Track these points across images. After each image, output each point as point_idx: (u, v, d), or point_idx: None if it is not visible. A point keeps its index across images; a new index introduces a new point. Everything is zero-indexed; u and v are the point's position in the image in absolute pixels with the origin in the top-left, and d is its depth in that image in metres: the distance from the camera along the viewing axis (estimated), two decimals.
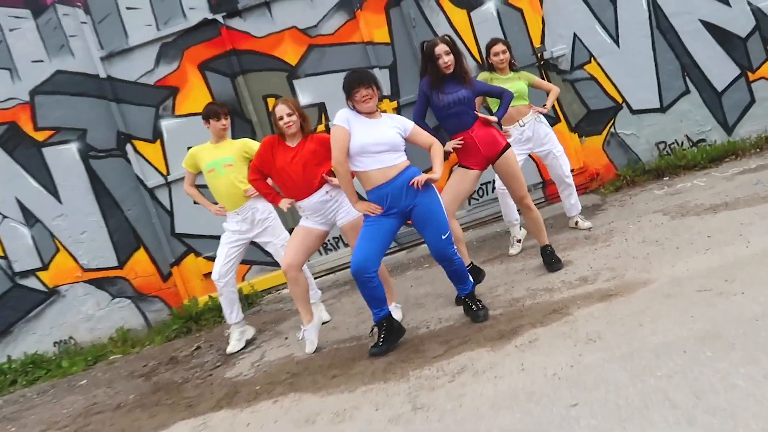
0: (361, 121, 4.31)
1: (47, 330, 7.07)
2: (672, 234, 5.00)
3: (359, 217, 4.65)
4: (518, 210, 5.61)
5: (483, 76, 5.61)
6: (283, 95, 6.86)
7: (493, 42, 5.66)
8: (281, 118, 4.74)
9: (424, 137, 4.46)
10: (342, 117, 4.33)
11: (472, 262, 5.12)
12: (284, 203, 4.90)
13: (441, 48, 4.70)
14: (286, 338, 5.45)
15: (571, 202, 5.84)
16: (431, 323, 4.72)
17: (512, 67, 5.72)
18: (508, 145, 4.90)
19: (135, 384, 5.48)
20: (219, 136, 5.45)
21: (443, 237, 4.37)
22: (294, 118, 4.74)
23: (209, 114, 5.38)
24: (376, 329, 4.51)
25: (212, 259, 6.94)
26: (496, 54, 5.60)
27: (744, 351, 2.99)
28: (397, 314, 4.94)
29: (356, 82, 4.27)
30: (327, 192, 4.78)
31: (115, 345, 6.83)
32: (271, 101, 6.92)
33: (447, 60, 4.69)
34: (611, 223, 5.76)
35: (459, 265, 4.50)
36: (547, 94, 5.78)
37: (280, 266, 6.18)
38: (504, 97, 5.04)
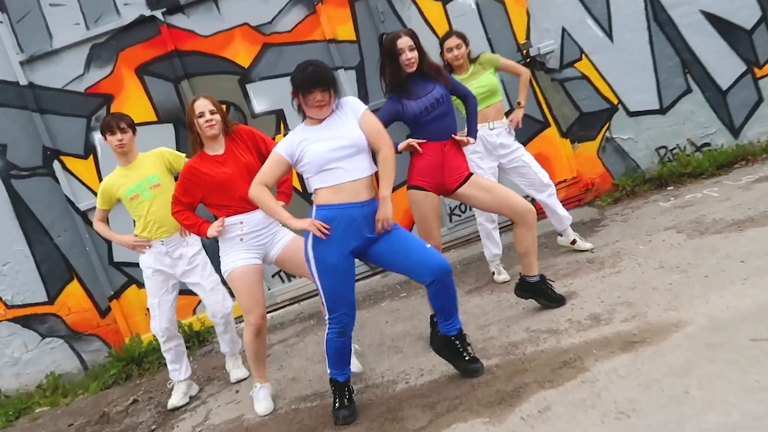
0: (317, 133, 3.36)
1: None
2: (694, 257, 4.13)
3: (295, 238, 3.97)
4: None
5: None
6: (235, 102, 5.98)
7: (447, 35, 4.75)
8: (202, 114, 3.85)
9: (375, 130, 3.41)
10: (288, 144, 3.39)
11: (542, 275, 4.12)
12: (213, 229, 3.90)
13: (404, 41, 3.77)
14: (237, 391, 4.49)
15: (559, 212, 4.94)
16: (411, 376, 3.80)
17: (470, 60, 4.80)
18: (471, 174, 3.97)
19: None
20: (121, 155, 4.44)
21: (428, 245, 3.45)
22: (217, 116, 3.90)
23: (102, 128, 4.41)
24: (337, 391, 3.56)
25: None
26: (450, 49, 4.66)
27: None
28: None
29: (311, 84, 3.28)
30: None
31: (43, 394, 5.79)
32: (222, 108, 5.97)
33: (411, 57, 3.76)
34: (616, 243, 4.89)
35: (454, 288, 3.50)
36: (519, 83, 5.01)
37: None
38: (469, 103, 4.09)
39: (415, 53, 3.78)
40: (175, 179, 4.31)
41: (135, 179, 4.40)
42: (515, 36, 6.02)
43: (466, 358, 3.55)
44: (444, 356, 3.63)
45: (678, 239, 4.55)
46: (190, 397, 4.61)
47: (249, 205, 3.83)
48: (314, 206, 3.37)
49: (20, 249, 5.96)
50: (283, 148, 3.40)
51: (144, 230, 4.44)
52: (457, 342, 3.56)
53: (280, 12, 5.91)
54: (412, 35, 3.82)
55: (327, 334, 3.43)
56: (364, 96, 5.97)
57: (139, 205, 4.39)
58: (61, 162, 5.86)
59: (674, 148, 6.21)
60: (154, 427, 4.34)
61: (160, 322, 4.52)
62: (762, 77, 6.18)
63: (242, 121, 5.95)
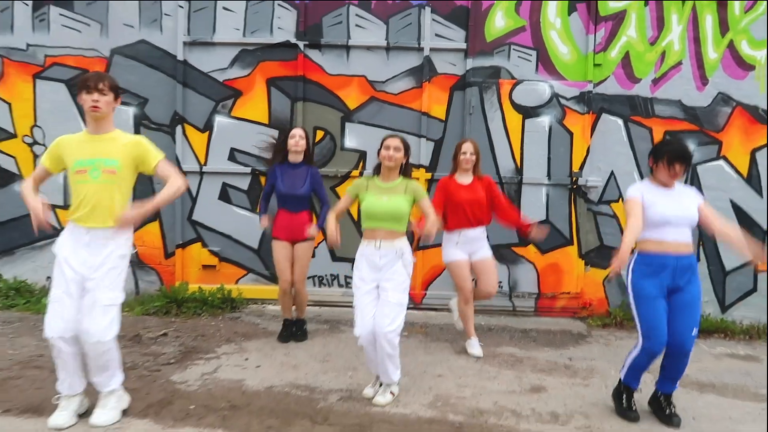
0: (663, 196, 3.56)
1: (45, 263, 6.17)
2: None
3: (490, 256, 4.82)
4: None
5: (357, 182, 3.94)
6: (332, 132, 6.12)
7: (391, 135, 3.90)
8: (465, 153, 4.71)
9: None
10: (639, 191, 3.61)
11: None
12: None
13: (298, 130, 4.92)
14: (247, 359, 4.51)
15: None
16: (389, 405, 3.76)
17: (403, 172, 3.90)
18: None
19: None
20: (92, 120, 3.25)
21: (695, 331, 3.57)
22: (474, 158, 4.73)
23: (78, 85, 3.24)
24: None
25: (216, 254, 6.15)
26: (387, 148, 3.79)
27: None
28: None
29: (684, 158, 3.52)
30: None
31: None
32: (319, 133, 6.12)
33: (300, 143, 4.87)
34: (593, 361, 4.79)
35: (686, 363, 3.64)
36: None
37: (276, 282, 5.23)
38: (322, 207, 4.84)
39: (304, 142, 4.83)
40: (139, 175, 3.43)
41: (93, 153, 3.23)
42: (571, 164, 6.04)
43: (667, 413, 3.63)
44: (651, 407, 3.78)
45: (646, 378, 4.42)
46: (204, 356, 4.60)
47: (468, 224, 4.68)
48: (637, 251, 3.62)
49: None
50: (636, 193, 3.58)
51: (76, 212, 3.25)
52: (663, 400, 3.71)
53: (394, 77, 6.08)
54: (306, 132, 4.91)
55: (637, 356, 3.61)
56: (434, 165, 6.06)
57: (81, 182, 3.23)
58: (183, 128, 6.08)
59: None
60: (173, 360, 4.38)
61: (58, 320, 3.18)
62: (761, 272, 6.04)
63: (332, 150, 6.11)
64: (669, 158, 3.50)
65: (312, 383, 4.04)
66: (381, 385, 3.84)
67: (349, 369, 4.32)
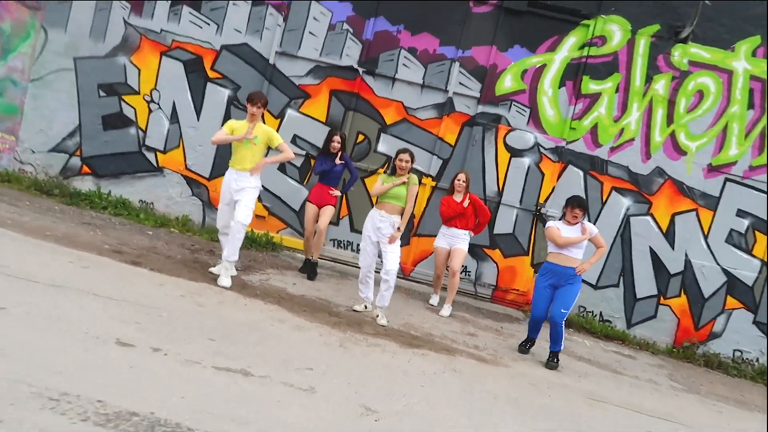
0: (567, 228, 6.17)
1: (140, 190, 8.58)
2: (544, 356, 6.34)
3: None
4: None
5: (383, 177, 6.39)
6: (369, 137, 8.46)
7: (404, 149, 6.31)
8: (459, 180, 7.24)
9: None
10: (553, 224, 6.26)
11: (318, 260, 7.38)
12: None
13: (337, 137, 7.20)
14: (286, 279, 6.86)
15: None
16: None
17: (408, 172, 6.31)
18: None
19: (183, 251, 6.94)
20: (250, 119, 6.19)
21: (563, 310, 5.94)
22: (464, 185, 7.27)
23: (248, 98, 6.22)
24: None
25: (267, 208, 8.48)
26: (401, 159, 6.20)
27: None
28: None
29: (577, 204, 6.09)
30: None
31: (177, 224, 8.28)
32: (360, 137, 8.46)
33: (337, 145, 7.18)
34: (518, 332, 7.12)
35: (560, 331, 5.95)
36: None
37: (304, 236, 7.56)
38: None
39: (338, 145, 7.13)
40: (268, 147, 6.33)
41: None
42: (539, 197, 8.35)
43: (554, 362, 6.02)
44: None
45: (546, 345, 6.75)
46: (258, 272, 6.95)
47: (458, 227, 7.22)
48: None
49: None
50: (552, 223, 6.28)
51: (234, 159, 6.21)
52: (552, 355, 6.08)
53: (423, 107, 8.41)
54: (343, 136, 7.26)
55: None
56: (439, 177, 8.38)
57: (242, 145, 6.13)
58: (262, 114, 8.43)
59: (590, 312, 8.39)
60: (239, 269, 6.73)
61: (220, 220, 6.30)
62: (663, 305, 8.34)
63: (367, 151, 8.45)
64: (570, 204, 5.87)
65: (329, 299, 6.40)
66: (376, 309, 6.18)
67: (351, 299, 6.65)
